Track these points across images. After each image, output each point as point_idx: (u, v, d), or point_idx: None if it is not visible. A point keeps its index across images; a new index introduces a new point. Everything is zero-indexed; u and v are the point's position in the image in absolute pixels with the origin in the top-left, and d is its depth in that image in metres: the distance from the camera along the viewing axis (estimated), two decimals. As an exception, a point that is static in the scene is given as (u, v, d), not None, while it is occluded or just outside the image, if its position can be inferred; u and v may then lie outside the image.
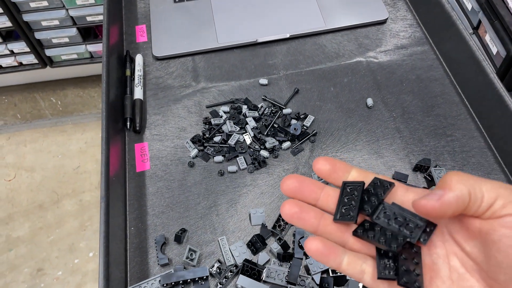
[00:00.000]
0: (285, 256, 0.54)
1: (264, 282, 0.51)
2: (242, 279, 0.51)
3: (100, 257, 0.48)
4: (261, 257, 0.54)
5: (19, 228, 1.57)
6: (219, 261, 0.54)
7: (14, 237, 1.55)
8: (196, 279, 0.52)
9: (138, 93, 0.69)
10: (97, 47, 1.37)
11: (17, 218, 1.59)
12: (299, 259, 0.53)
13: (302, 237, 0.55)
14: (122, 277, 0.53)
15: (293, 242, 0.55)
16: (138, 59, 0.73)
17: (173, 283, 0.52)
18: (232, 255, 0.55)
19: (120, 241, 0.55)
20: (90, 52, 1.40)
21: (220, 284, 0.52)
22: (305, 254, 0.54)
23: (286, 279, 0.51)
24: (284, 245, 0.55)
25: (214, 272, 0.53)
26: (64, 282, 1.48)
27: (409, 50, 0.73)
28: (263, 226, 0.57)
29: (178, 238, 0.56)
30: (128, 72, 0.72)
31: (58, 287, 1.46)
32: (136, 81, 0.70)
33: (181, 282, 0.52)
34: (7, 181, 1.66)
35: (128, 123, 0.66)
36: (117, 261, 0.52)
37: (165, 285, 0.52)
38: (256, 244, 0.55)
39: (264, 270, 0.52)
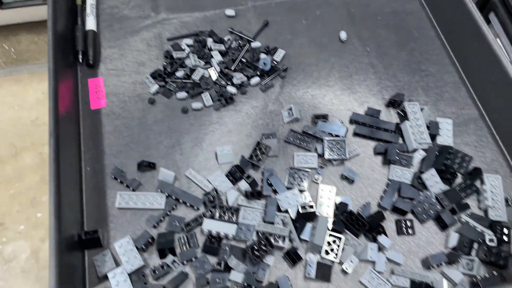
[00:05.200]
0: (253, 193, 0.51)
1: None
2: (207, 223, 0.48)
3: (50, 196, 0.44)
4: (230, 195, 0.51)
5: (-24, 183, 1.48)
6: (216, 191, 0.51)
7: (-29, 192, 1.47)
8: (188, 204, 0.51)
9: (90, 24, 0.62)
10: (48, -15, 1.25)
11: (-28, 173, 1.50)
12: (274, 199, 0.50)
13: (271, 174, 0.53)
14: (77, 219, 0.49)
15: (262, 180, 0.53)
16: (90, -14, 0.65)
17: (167, 194, 0.51)
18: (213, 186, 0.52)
19: (75, 182, 0.51)
20: (41, -9, 1.27)
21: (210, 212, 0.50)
22: (274, 191, 0.52)
23: (263, 218, 0.49)
24: (253, 183, 0.52)
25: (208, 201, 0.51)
26: (28, 236, 1.43)
27: (386, -18, 0.69)
28: (242, 157, 0.54)
29: (140, 166, 0.53)
30: (79, 1, 0.64)
31: (22, 242, 1.41)
32: (88, 10, 0.63)
33: (174, 197, 0.51)
34: (-42, 134, 1.54)
35: (80, 56, 0.60)
36: (71, 202, 0.48)
37: (160, 190, 0.51)
38: (235, 174, 0.52)
39: (240, 212, 0.50)
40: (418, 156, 0.54)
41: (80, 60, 0.60)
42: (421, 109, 0.56)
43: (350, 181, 0.53)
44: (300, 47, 0.63)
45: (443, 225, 0.50)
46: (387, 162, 0.54)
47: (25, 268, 1.38)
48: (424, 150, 0.54)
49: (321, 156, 0.55)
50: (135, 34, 0.63)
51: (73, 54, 0.60)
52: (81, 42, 0.61)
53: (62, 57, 0.56)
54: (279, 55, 0.61)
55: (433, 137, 0.55)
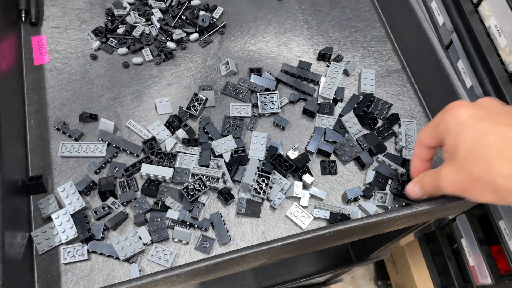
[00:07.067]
0: (189, 140, 0.55)
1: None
2: (145, 167, 0.52)
3: (-11, 142, 0.46)
4: (168, 142, 0.55)
5: None
6: (154, 139, 0.55)
7: None
8: (128, 151, 0.55)
9: (31, -18, 0.63)
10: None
11: None
12: (209, 144, 0.54)
13: (208, 123, 0.57)
14: (22, 166, 0.52)
15: (199, 128, 0.57)
16: None
17: (107, 142, 0.54)
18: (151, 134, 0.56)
19: (19, 132, 0.54)
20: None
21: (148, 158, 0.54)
22: (210, 138, 0.56)
23: (198, 163, 0.53)
24: (190, 131, 0.56)
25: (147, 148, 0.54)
26: None
27: None
28: (180, 108, 0.57)
29: (82, 117, 0.56)
30: (19, -41, 0.65)
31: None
32: (29, -32, 0.64)
33: (114, 146, 0.55)
34: None
35: (23, 15, 0.61)
36: (15, 150, 0.51)
37: (101, 139, 0.55)
38: (173, 123, 0.56)
39: (177, 157, 0.54)
40: (340, 105, 0.58)
41: (23, 18, 0.61)
42: (348, 62, 0.61)
43: (281, 128, 0.57)
44: (239, 5, 0.66)
45: (362, 165, 0.55)
46: (304, 110, 0.58)
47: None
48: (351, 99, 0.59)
49: (255, 106, 0.59)
50: (77, -7, 0.65)
51: (16, 12, 0.61)
52: (23, 1, 0.62)
53: (4, 15, 0.57)
54: (218, 12, 0.64)
55: (335, 100, 0.59)
